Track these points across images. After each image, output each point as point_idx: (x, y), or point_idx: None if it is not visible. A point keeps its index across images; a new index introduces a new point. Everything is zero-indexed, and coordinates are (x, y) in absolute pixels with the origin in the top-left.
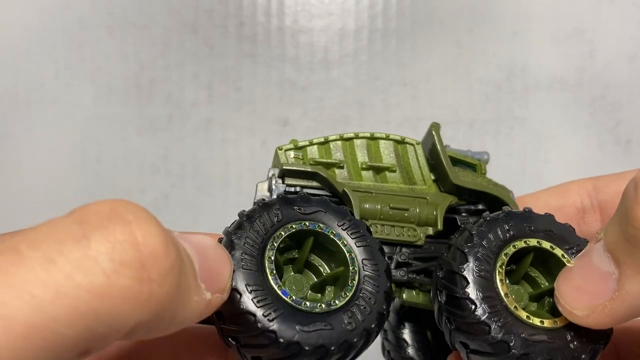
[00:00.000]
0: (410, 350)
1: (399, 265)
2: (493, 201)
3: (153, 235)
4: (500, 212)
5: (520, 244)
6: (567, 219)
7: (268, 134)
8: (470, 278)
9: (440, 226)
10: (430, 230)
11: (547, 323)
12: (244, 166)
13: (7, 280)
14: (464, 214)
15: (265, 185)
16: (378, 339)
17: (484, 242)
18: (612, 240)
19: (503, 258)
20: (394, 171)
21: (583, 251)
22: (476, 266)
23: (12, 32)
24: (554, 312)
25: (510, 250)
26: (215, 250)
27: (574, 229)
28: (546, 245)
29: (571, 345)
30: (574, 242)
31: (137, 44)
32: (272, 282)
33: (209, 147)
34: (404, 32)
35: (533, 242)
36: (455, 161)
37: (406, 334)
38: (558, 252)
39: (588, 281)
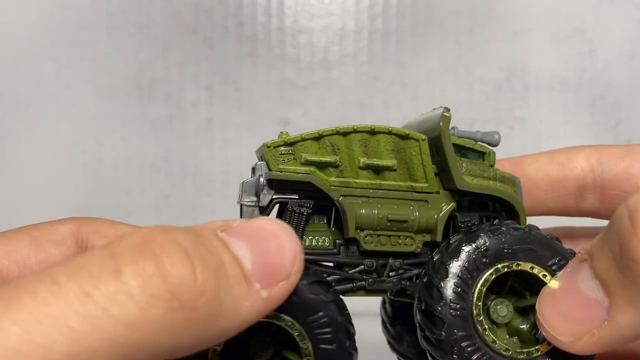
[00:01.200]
0: (407, 344)
1: (393, 272)
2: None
3: (179, 265)
4: (476, 233)
5: (497, 271)
6: (567, 193)
7: (268, 134)
8: (447, 318)
9: (439, 236)
10: (429, 237)
11: (527, 353)
12: (244, 166)
13: (46, 310)
14: (464, 210)
15: (252, 186)
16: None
17: (459, 276)
18: (602, 267)
19: (480, 290)
20: (394, 170)
21: (567, 272)
22: (452, 305)
23: (12, 32)
24: (538, 332)
25: (488, 279)
26: (275, 238)
27: (557, 239)
28: (525, 266)
29: None
30: (557, 257)
31: (137, 44)
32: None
33: (209, 147)
34: (404, 32)
35: (511, 267)
36: (463, 149)
37: (403, 328)
38: (538, 271)
39: (574, 307)
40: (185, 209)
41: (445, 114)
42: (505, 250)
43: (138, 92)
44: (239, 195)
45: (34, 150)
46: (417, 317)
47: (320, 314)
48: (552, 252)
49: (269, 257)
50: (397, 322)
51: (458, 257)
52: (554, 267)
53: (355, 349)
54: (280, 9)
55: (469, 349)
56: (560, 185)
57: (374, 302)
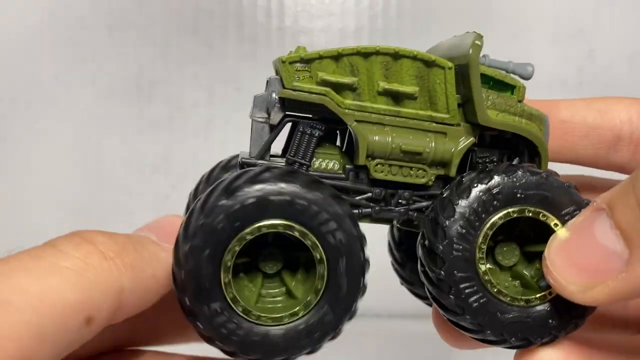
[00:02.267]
0: (409, 270)
1: (402, 202)
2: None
3: (101, 236)
4: (490, 173)
5: (506, 216)
6: (601, 141)
7: None
8: (448, 258)
9: (453, 171)
10: (442, 172)
11: (525, 300)
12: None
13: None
14: (485, 146)
15: (264, 101)
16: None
17: (466, 216)
18: (624, 218)
19: (486, 234)
20: (415, 98)
21: (580, 220)
22: (455, 245)
23: (12, 32)
24: (541, 280)
25: (495, 223)
26: (164, 220)
27: (575, 187)
28: (537, 214)
29: (550, 322)
30: (571, 206)
31: (137, 45)
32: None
33: (209, 148)
34: (404, 32)
35: (522, 212)
36: (492, 80)
37: (406, 254)
38: (550, 220)
39: (589, 257)
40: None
41: (476, 41)
42: (519, 195)
43: (138, 92)
44: (251, 109)
45: (34, 150)
46: (419, 251)
47: (334, 225)
48: (568, 201)
49: (165, 230)
50: (402, 246)
51: (468, 196)
52: (567, 217)
53: (368, 262)
54: (280, 10)
55: (467, 291)
56: (596, 132)
57: (374, 302)
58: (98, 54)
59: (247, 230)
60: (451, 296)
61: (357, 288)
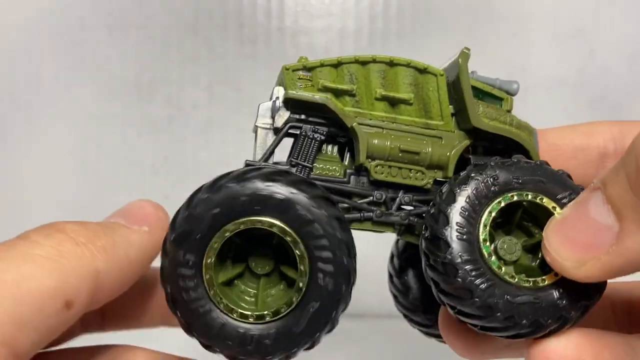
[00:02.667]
0: (413, 296)
1: (402, 207)
2: (514, 142)
3: (71, 224)
4: (486, 164)
5: (506, 200)
6: (589, 161)
7: None
8: (452, 241)
9: (450, 173)
10: (440, 175)
11: (532, 282)
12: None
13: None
14: (479, 155)
15: (268, 109)
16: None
17: (467, 201)
18: (615, 192)
19: (487, 218)
20: (411, 104)
21: (577, 200)
22: (458, 229)
23: (12, 32)
24: (546, 266)
25: (495, 208)
26: (132, 204)
27: (568, 175)
28: (535, 197)
29: (559, 303)
30: (567, 191)
31: (137, 45)
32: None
33: (209, 148)
34: (404, 32)
35: (520, 196)
36: (481, 93)
37: (410, 280)
38: (548, 204)
39: (582, 233)
40: None
41: (464, 50)
42: (515, 181)
43: (138, 92)
44: (256, 118)
45: (34, 150)
46: (423, 245)
47: (317, 226)
48: (563, 186)
49: (134, 215)
50: (403, 274)
51: (467, 184)
52: (564, 201)
53: (354, 270)
54: (281, 10)
55: (473, 273)
56: (583, 153)
57: (374, 302)
58: (98, 54)
59: (229, 225)
60: (458, 279)
61: (338, 297)
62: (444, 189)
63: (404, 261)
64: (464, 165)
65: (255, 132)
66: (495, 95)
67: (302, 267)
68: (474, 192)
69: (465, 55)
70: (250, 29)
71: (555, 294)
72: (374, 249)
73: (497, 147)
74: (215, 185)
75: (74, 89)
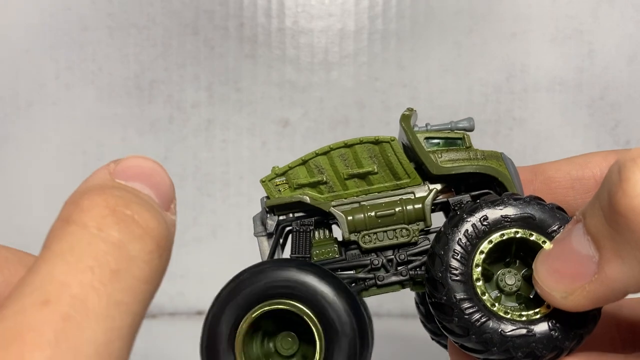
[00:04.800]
0: (445, 338)
1: (400, 265)
2: (483, 176)
3: (152, 219)
4: (474, 204)
5: (497, 239)
6: (586, 190)
7: (268, 134)
8: (447, 282)
9: (429, 222)
10: (422, 225)
11: (526, 316)
12: (244, 167)
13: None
14: (461, 194)
15: (259, 218)
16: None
17: (459, 244)
18: (592, 223)
19: (479, 257)
20: (376, 173)
21: (562, 233)
22: (452, 270)
23: (12, 32)
24: (539, 298)
25: (486, 247)
26: (156, 172)
27: (558, 207)
28: (524, 234)
29: (553, 334)
30: (556, 223)
31: (138, 45)
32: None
33: (209, 148)
34: (404, 33)
35: (510, 233)
36: (440, 140)
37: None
38: (538, 239)
39: (567, 264)
40: (185, 209)
41: (404, 113)
42: (504, 220)
43: (138, 92)
44: (253, 229)
45: (34, 151)
46: (426, 287)
47: (326, 303)
48: (552, 219)
49: (161, 189)
50: (432, 319)
51: (459, 226)
52: (553, 234)
53: (366, 338)
54: (281, 10)
55: (468, 311)
56: (580, 183)
57: (374, 302)
58: (98, 54)
59: (255, 309)
60: (455, 318)
61: None
62: (439, 231)
63: None
64: (448, 210)
65: (257, 242)
66: (452, 137)
67: (319, 344)
68: (465, 234)
69: (405, 117)
70: (251, 29)
71: (549, 325)
72: None
73: (471, 182)
74: (237, 280)
75: (74, 89)
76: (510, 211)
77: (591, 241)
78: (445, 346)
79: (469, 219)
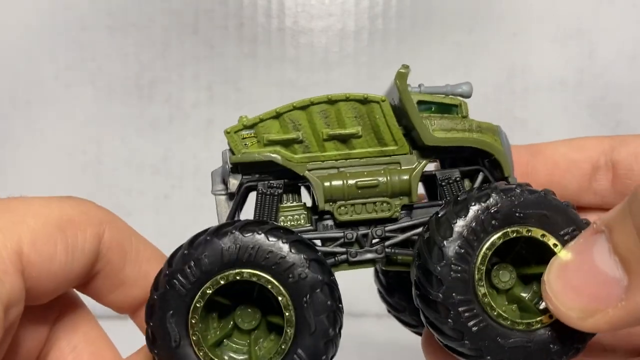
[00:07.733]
0: (409, 313)
1: (376, 241)
2: (475, 149)
3: None
4: (482, 191)
5: (507, 236)
6: (582, 174)
7: None
8: (445, 280)
9: (414, 198)
10: (406, 200)
11: (526, 324)
12: None
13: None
14: (446, 168)
15: (219, 175)
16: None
17: (464, 236)
18: (623, 243)
19: (484, 255)
20: (360, 136)
21: (580, 243)
22: (453, 266)
23: (12, 33)
24: (540, 302)
25: (494, 243)
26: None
27: (573, 207)
28: (537, 233)
29: (551, 347)
30: (570, 226)
31: (137, 45)
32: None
33: (209, 148)
34: (404, 33)
35: (521, 232)
36: (432, 105)
37: (402, 298)
38: (548, 240)
39: (588, 282)
40: (185, 209)
41: (400, 70)
42: (517, 214)
43: (138, 92)
44: (212, 187)
45: (34, 150)
46: (414, 273)
47: (298, 270)
48: (567, 220)
49: None
50: (394, 293)
51: (465, 215)
52: (566, 237)
53: (340, 310)
54: (281, 10)
55: (466, 314)
56: (577, 166)
57: (374, 303)
58: (98, 54)
59: (208, 284)
60: (450, 320)
61: (326, 340)
62: (441, 214)
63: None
64: (432, 184)
65: (215, 200)
66: (447, 104)
67: (287, 314)
68: (472, 225)
69: (401, 75)
70: (251, 28)
71: (549, 337)
72: None
73: (463, 155)
74: (195, 241)
75: (74, 89)
76: (523, 204)
77: (619, 262)
78: (405, 324)
79: (477, 209)
